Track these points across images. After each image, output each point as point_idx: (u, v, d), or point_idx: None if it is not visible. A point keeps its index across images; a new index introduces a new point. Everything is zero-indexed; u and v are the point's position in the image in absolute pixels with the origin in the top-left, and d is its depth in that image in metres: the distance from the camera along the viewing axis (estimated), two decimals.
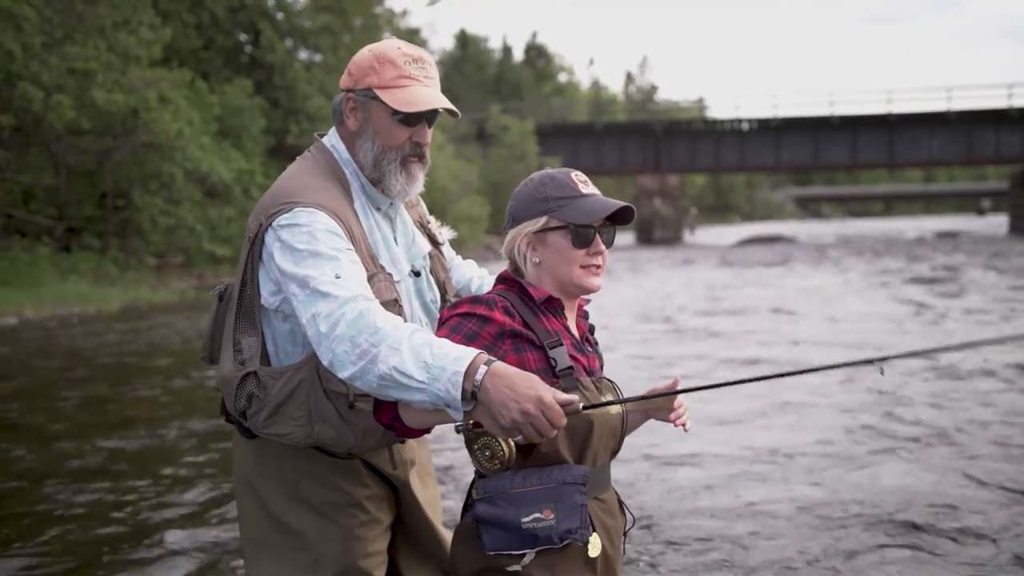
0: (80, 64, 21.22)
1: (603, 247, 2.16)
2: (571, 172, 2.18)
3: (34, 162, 23.61)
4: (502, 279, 2.22)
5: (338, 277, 2.09)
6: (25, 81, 20.33)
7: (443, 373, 1.89)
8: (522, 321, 2.08)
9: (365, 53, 2.36)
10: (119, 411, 8.49)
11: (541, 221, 2.13)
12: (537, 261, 2.15)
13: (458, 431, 2.01)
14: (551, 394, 1.90)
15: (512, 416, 1.87)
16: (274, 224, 2.20)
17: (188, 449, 6.96)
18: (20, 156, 23.09)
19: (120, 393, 9.49)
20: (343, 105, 2.37)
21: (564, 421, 1.93)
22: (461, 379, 1.88)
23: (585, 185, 2.16)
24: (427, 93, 2.31)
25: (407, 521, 2.56)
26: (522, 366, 2.02)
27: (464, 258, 2.86)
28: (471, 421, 1.96)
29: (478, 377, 1.89)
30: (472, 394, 1.89)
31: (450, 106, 2.34)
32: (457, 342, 2.00)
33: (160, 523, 5.22)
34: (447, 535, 2.63)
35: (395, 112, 2.30)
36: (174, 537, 4.96)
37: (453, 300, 2.56)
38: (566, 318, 2.19)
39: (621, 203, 2.14)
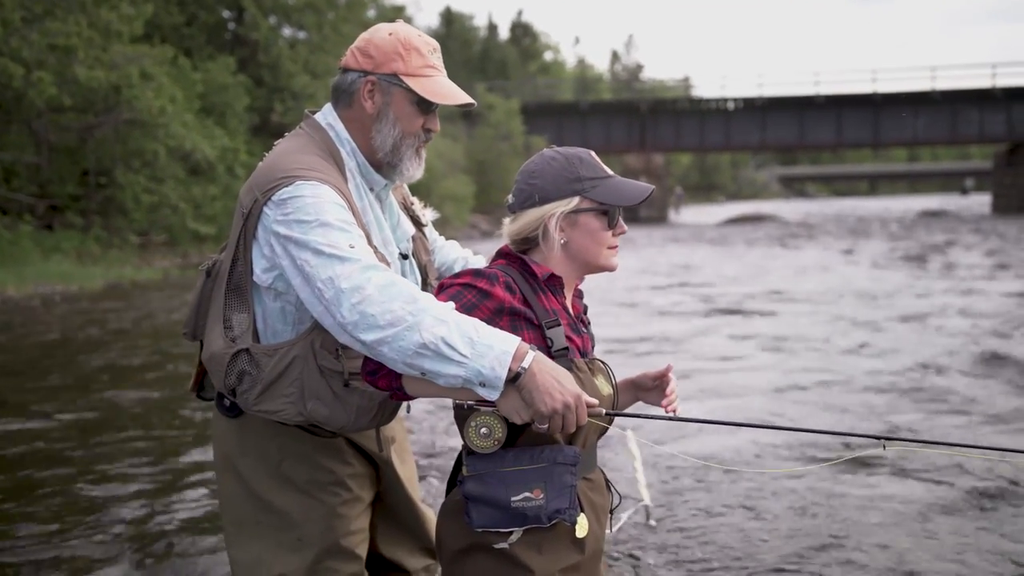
0: (61, 40, 20.97)
1: (625, 227, 2.19)
2: (591, 152, 2.18)
3: (15, 139, 23.38)
4: (503, 254, 2.19)
5: (352, 247, 2.06)
6: (5, 57, 20.09)
7: (490, 351, 1.89)
8: (522, 298, 2.07)
9: (386, 37, 2.32)
10: (102, 388, 8.46)
11: (574, 201, 2.11)
12: (564, 242, 2.13)
13: (457, 408, 2.00)
14: (584, 395, 1.95)
15: (554, 406, 1.90)
16: (274, 198, 2.16)
17: (171, 425, 6.94)
18: (1, 134, 22.87)
19: (103, 371, 9.45)
20: (359, 87, 2.32)
21: (585, 423, 1.96)
22: (509, 359, 1.89)
23: (605, 166, 2.19)
24: (453, 86, 2.35)
25: (387, 498, 2.56)
26: None
27: (450, 237, 2.85)
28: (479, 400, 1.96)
29: (526, 362, 1.90)
30: (516, 376, 1.90)
31: (473, 101, 2.37)
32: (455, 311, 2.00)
33: (141, 499, 5.21)
34: (426, 511, 2.65)
35: (419, 100, 2.30)
36: (156, 514, 4.95)
37: (434, 284, 2.55)
38: (564, 297, 2.18)
39: (651, 187, 2.17)
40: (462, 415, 2.02)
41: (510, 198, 2.17)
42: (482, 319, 2.00)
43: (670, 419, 2.19)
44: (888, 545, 4.20)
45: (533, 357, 1.92)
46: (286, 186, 2.15)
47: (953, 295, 13.89)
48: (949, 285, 15.31)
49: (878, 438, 2.09)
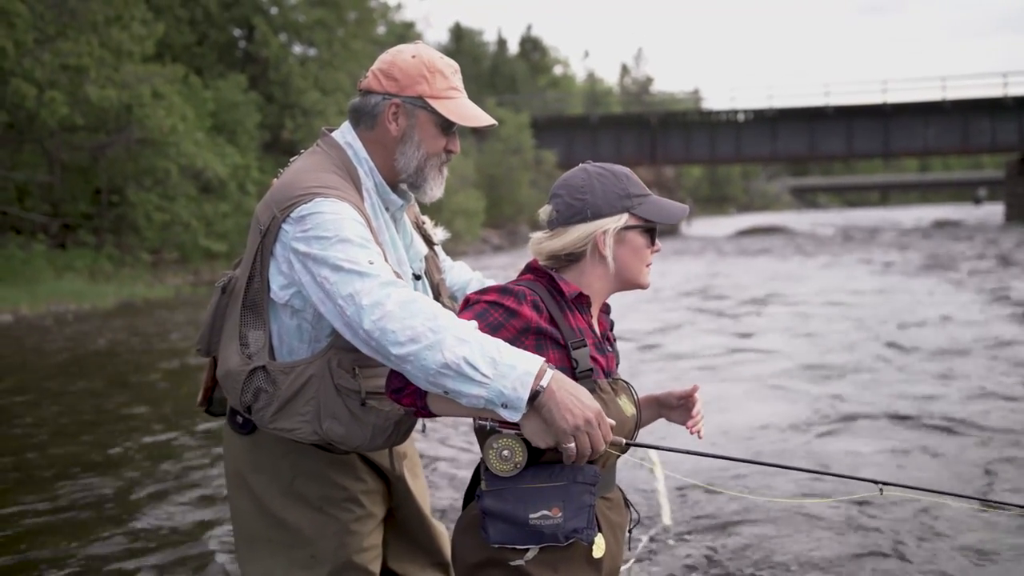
0: (73, 60, 21.10)
1: (660, 245, 2.19)
2: (629, 169, 2.19)
3: (28, 159, 23.54)
4: (531, 269, 2.16)
5: (371, 263, 2.04)
6: (18, 78, 20.23)
7: (512, 371, 1.87)
8: (549, 317, 2.04)
9: (410, 59, 2.32)
10: (116, 407, 8.46)
11: (623, 218, 2.10)
12: (611, 259, 2.11)
13: (478, 428, 1.96)
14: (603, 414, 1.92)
15: (576, 422, 1.87)
16: (293, 215, 2.15)
17: (186, 443, 6.93)
18: (14, 153, 23.03)
19: (117, 389, 9.46)
20: (382, 109, 2.32)
21: (610, 439, 1.93)
22: (531, 380, 1.87)
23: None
24: (476, 107, 2.37)
25: (399, 514, 2.54)
26: None
27: (462, 251, 2.83)
28: (502, 422, 1.94)
29: (544, 381, 1.88)
30: (534, 395, 1.87)
31: (495, 121, 2.41)
32: (481, 330, 1.97)
33: (156, 517, 5.19)
34: (438, 527, 2.64)
35: (442, 122, 2.32)
36: (166, 529, 4.94)
37: (447, 303, 2.54)
38: (591, 315, 2.16)
39: (687, 206, 2.19)
40: (484, 435, 1.99)
41: (549, 213, 2.14)
42: (507, 338, 1.97)
43: (689, 453, 2.18)
44: None
45: (552, 375, 1.89)
46: (305, 203, 2.14)
47: (972, 310, 13.80)
48: (966, 299, 15.22)
49: (876, 482, 2.15)
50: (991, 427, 6.51)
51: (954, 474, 5.59)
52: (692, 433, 2.25)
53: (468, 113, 2.34)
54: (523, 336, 2.00)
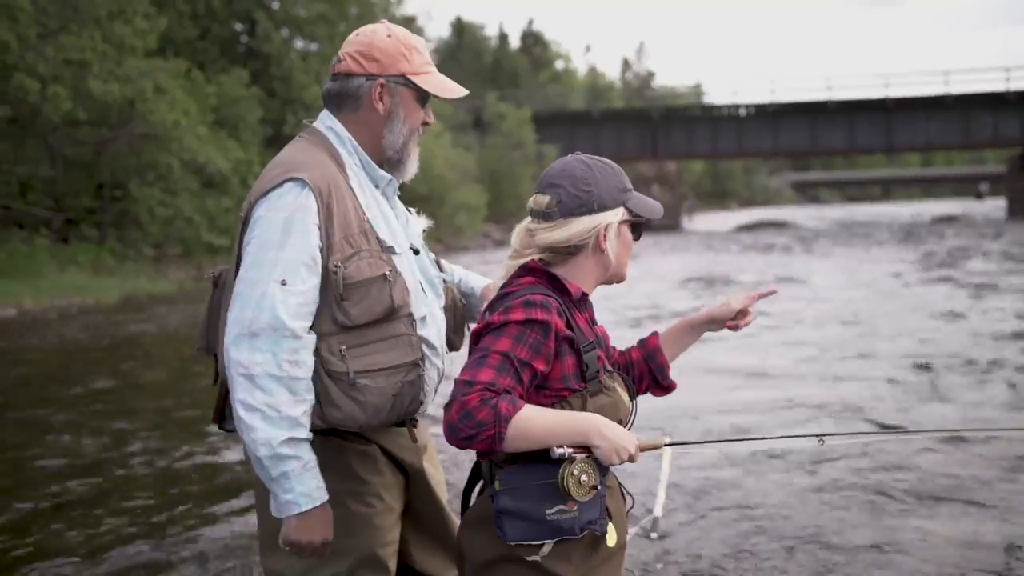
0: (76, 54, 21.11)
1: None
2: None
3: (31, 154, 23.51)
4: (529, 269, 2.11)
5: (284, 283, 2.14)
6: (21, 72, 20.24)
7: (279, 496, 2.16)
8: (567, 321, 2.03)
9: (386, 39, 2.38)
10: (120, 401, 8.48)
11: (621, 212, 2.11)
12: (611, 253, 2.11)
13: (555, 456, 1.94)
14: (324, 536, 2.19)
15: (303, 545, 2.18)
16: (258, 202, 2.23)
17: (192, 438, 6.94)
18: (17, 148, 23.00)
19: (121, 383, 9.47)
20: (367, 91, 2.36)
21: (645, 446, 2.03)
22: (290, 514, 2.16)
23: None
24: (450, 80, 2.46)
25: (418, 507, 2.53)
26: (562, 371, 2.01)
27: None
28: (572, 447, 1.94)
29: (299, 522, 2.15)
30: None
31: (467, 91, 2.51)
32: (523, 355, 1.95)
33: (169, 514, 5.20)
34: (455, 520, 2.62)
35: (422, 96, 2.40)
36: (184, 529, 4.95)
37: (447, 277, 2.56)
38: (588, 312, 2.18)
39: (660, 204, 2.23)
40: (556, 462, 1.95)
41: (548, 203, 2.09)
42: (546, 356, 1.97)
43: (708, 442, 2.23)
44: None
45: (298, 516, 2.13)
46: (276, 189, 2.22)
47: (969, 300, 13.82)
48: (964, 292, 15.23)
49: (817, 436, 2.29)
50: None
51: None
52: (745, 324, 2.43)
53: (447, 86, 2.44)
54: (553, 348, 1.99)
